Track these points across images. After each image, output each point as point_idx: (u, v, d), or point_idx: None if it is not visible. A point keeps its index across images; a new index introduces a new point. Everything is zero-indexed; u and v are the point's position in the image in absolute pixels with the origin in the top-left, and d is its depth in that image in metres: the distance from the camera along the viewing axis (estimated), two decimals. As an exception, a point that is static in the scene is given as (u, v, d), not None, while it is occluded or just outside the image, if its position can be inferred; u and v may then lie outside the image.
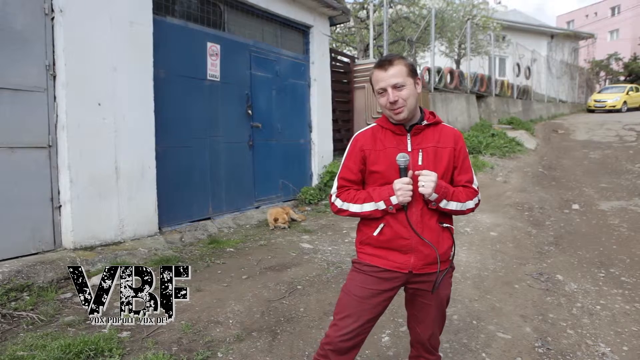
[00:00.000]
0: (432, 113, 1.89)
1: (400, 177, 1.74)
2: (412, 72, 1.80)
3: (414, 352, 2.06)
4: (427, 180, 1.71)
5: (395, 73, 1.75)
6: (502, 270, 4.20)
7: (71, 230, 3.88)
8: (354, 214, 1.84)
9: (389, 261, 1.81)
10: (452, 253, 1.87)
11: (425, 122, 1.84)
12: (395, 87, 1.75)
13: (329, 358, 1.83)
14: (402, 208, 1.76)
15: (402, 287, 1.91)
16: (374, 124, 1.92)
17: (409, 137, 1.82)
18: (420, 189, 1.72)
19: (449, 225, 1.85)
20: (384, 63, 1.77)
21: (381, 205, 1.77)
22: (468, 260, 4.42)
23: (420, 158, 1.80)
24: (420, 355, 2.02)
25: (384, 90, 1.77)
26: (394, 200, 1.74)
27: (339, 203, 1.88)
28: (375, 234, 1.82)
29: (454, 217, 1.91)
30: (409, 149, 1.80)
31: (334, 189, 1.94)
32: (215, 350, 2.63)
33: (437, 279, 1.80)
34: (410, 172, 1.75)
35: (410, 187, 1.72)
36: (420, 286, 1.85)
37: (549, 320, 3.20)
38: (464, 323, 3.11)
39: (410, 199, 1.73)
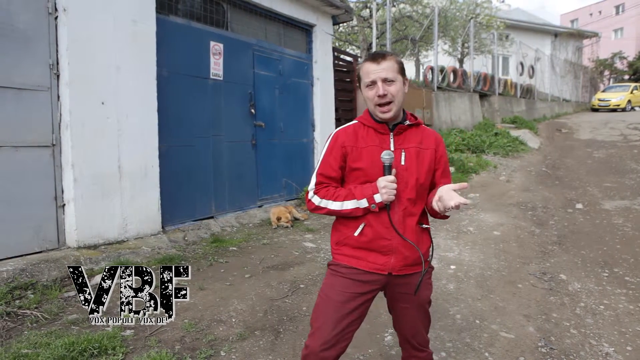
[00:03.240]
0: (412, 114, 1.88)
1: (384, 175, 1.71)
2: (402, 70, 1.78)
3: (404, 354, 2.02)
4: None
5: (387, 67, 1.72)
6: (505, 269, 4.19)
7: (75, 228, 3.90)
8: (332, 212, 1.78)
9: (368, 263, 1.75)
10: (431, 254, 1.84)
11: (407, 122, 1.82)
12: (386, 81, 1.72)
13: None
14: (384, 207, 1.72)
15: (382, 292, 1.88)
16: (355, 121, 1.88)
17: (391, 137, 1.80)
18: (453, 203, 1.62)
19: (427, 226, 1.84)
20: (376, 56, 1.75)
21: (363, 203, 1.71)
22: (471, 260, 4.41)
23: (402, 158, 1.77)
24: (410, 355, 1.99)
25: (374, 83, 1.74)
26: (377, 198, 1.69)
27: (316, 200, 1.81)
28: (356, 234, 1.76)
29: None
30: (392, 148, 1.78)
31: (311, 185, 1.85)
32: (218, 348, 2.63)
33: (420, 280, 1.78)
34: (394, 171, 1.72)
35: (395, 185, 1.69)
36: (399, 289, 1.82)
37: (552, 319, 3.19)
38: (467, 322, 3.11)
39: (394, 197, 1.69)
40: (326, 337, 1.72)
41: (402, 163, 1.76)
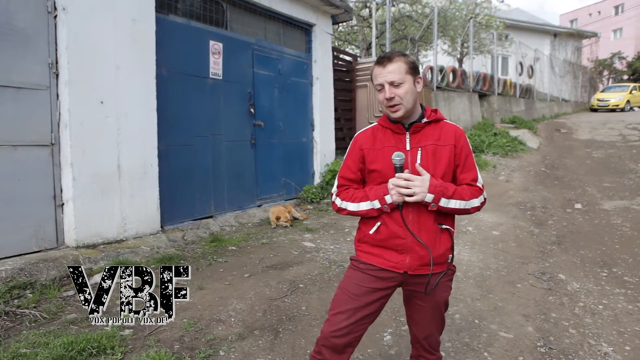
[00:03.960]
0: (434, 110, 1.86)
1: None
2: (413, 70, 1.77)
3: (414, 352, 2.05)
4: (416, 186, 1.68)
5: (393, 70, 1.73)
6: (504, 269, 4.19)
7: (74, 228, 3.89)
8: (351, 213, 1.85)
9: (385, 260, 1.79)
10: (451, 255, 1.83)
11: (425, 120, 1.81)
12: (393, 84, 1.73)
13: (323, 355, 1.81)
14: (397, 207, 1.75)
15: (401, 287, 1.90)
16: (375, 123, 1.91)
17: (407, 136, 1.81)
18: (412, 199, 1.69)
19: (448, 227, 1.81)
20: (383, 59, 1.76)
21: (376, 204, 1.76)
22: (470, 260, 4.41)
23: (419, 157, 1.77)
24: (420, 355, 2.00)
25: (382, 86, 1.76)
26: (388, 199, 1.73)
27: (338, 202, 1.90)
28: (371, 232, 1.81)
29: (456, 215, 1.88)
30: (408, 148, 1.79)
31: (334, 188, 1.95)
32: (217, 348, 2.63)
33: (429, 280, 1.78)
34: (406, 171, 1.73)
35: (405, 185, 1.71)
36: (415, 287, 1.83)
37: (551, 319, 3.19)
38: (466, 322, 3.11)
39: (404, 198, 1.72)
40: (338, 325, 1.78)
41: (419, 162, 1.77)
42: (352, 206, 1.84)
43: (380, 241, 1.80)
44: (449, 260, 1.84)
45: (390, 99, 1.73)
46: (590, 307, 3.42)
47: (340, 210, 1.89)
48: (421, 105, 1.86)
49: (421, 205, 1.75)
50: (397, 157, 1.72)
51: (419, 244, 1.74)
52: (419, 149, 1.78)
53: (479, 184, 1.84)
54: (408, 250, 1.76)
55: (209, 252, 4.43)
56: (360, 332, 1.82)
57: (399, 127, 1.82)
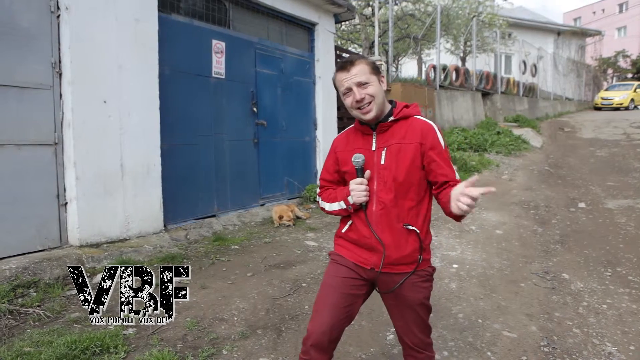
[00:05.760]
0: (406, 106, 1.82)
1: (357, 177, 1.77)
2: (375, 70, 1.79)
3: (403, 352, 2.02)
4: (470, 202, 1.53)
5: (358, 71, 1.74)
6: (507, 268, 4.18)
7: (77, 227, 3.90)
8: (328, 212, 1.95)
9: (354, 254, 1.85)
10: (419, 257, 1.78)
11: (391, 119, 1.80)
12: (360, 84, 1.74)
13: (310, 355, 1.80)
14: (360, 207, 1.79)
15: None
16: (352, 126, 1.95)
17: (374, 136, 1.81)
18: (462, 210, 1.54)
19: (414, 228, 1.76)
20: (345, 64, 1.76)
21: (343, 205, 1.84)
22: (473, 259, 4.40)
23: (383, 157, 1.77)
24: (408, 354, 1.98)
25: (349, 89, 1.75)
26: (350, 200, 1.79)
27: (320, 202, 2.01)
28: (344, 230, 1.90)
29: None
30: (373, 148, 1.79)
31: (317, 189, 2.05)
32: (220, 347, 2.63)
33: (392, 279, 1.79)
34: (367, 173, 1.76)
35: (364, 187, 1.75)
36: (384, 286, 1.84)
37: (554, 319, 3.18)
38: (470, 322, 3.10)
39: (365, 199, 1.76)
40: (322, 320, 1.78)
41: (382, 162, 1.76)
42: (327, 206, 1.93)
43: (353, 240, 1.86)
44: (419, 261, 1.79)
45: (361, 99, 1.74)
46: (594, 307, 3.40)
47: (323, 210, 1.98)
48: (392, 102, 1.86)
49: (386, 205, 1.75)
50: (356, 159, 1.76)
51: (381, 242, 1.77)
52: (384, 148, 1.77)
53: (458, 178, 1.76)
54: (374, 249, 1.79)
55: (212, 251, 4.43)
56: (342, 327, 1.83)
57: (367, 129, 1.83)
